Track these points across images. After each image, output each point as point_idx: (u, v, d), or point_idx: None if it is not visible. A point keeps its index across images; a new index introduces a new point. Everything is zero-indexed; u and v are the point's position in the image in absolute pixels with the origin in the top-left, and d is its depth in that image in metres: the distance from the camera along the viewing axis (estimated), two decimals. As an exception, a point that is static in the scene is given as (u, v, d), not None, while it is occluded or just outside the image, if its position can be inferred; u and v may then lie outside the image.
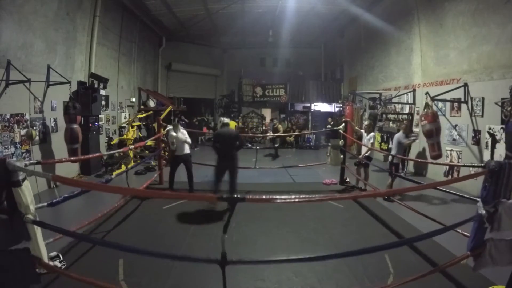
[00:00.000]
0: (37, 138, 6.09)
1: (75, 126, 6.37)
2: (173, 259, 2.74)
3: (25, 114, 5.82)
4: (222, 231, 2.03)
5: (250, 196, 1.84)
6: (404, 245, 2.29)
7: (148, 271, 3.26)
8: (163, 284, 3.08)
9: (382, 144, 9.89)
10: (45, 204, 2.87)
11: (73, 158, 5.22)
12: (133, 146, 5.60)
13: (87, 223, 3.92)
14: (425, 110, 6.35)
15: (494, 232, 2.45)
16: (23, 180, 2.01)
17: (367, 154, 6.51)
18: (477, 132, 6.29)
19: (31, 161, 2.15)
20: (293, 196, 1.89)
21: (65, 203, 3.22)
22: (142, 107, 12.48)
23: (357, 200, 5.60)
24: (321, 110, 15.10)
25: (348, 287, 3.10)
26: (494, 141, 5.86)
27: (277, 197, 1.88)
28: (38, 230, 2.11)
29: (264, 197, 1.89)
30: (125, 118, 10.67)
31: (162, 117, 8.57)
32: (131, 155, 8.78)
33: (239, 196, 1.80)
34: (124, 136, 9.52)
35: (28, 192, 2.04)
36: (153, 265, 3.33)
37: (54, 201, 2.94)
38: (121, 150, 5.46)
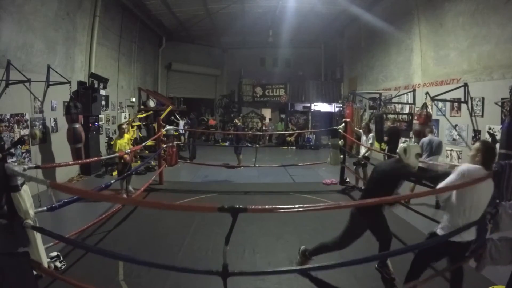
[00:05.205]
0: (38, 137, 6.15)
1: (78, 125, 6.36)
2: (172, 270, 2.71)
3: (25, 114, 5.82)
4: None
5: (253, 206, 1.80)
6: (410, 251, 2.31)
7: (148, 271, 3.26)
8: (163, 284, 3.08)
9: (382, 144, 9.86)
10: (45, 208, 2.85)
11: (71, 162, 5.24)
12: (129, 150, 5.60)
13: (86, 227, 3.92)
14: (420, 111, 6.38)
15: (495, 233, 2.46)
16: (22, 184, 1.96)
17: (366, 155, 6.58)
18: (477, 132, 6.28)
19: (30, 166, 2.10)
20: (296, 206, 1.87)
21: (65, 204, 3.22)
22: (142, 107, 12.49)
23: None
24: (321, 110, 15.08)
25: (349, 287, 3.10)
26: (494, 141, 5.82)
27: (280, 206, 1.87)
28: (37, 235, 2.07)
29: (267, 207, 1.89)
30: (125, 118, 10.65)
31: (162, 117, 8.57)
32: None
33: (240, 206, 1.73)
34: (124, 136, 9.51)
35: (27, 197, 1.99)
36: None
37: (53, 205, 2.92)
38: (116, 155, 5.42)
